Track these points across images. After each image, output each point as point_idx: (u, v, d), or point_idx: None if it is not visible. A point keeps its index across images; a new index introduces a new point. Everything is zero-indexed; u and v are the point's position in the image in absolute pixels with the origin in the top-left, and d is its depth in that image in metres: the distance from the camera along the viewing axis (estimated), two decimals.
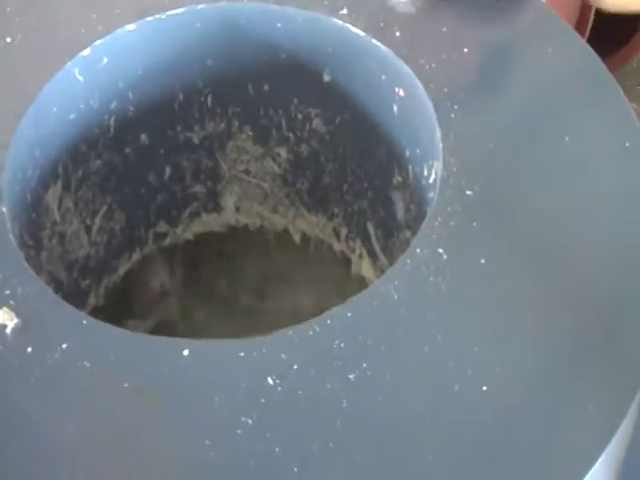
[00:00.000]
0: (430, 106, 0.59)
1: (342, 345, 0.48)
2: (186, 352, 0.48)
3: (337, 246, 0.76)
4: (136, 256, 0.75)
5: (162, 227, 0.76)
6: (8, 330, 0.50)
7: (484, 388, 0.47)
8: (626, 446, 0.54)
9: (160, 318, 0.76)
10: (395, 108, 0.64)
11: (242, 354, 0.48)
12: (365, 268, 0.74)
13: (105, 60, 0.65)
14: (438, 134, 0.58)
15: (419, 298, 0.50)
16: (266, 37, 0.68)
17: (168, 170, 0.73)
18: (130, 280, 0.75)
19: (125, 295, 0.74)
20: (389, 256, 0.70)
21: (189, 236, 0.77)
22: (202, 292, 0.77)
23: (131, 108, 0.68)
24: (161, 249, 0.77)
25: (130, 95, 0.68)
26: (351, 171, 0.72)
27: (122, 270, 0.75)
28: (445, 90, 0.60)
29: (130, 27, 0.65)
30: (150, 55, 0.67)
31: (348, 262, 0.75)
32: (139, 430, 0.46)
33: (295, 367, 0.47)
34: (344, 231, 0.75)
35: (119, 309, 0.72)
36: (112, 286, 0.74)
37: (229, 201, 0.76)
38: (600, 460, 0.46)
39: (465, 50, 0.64)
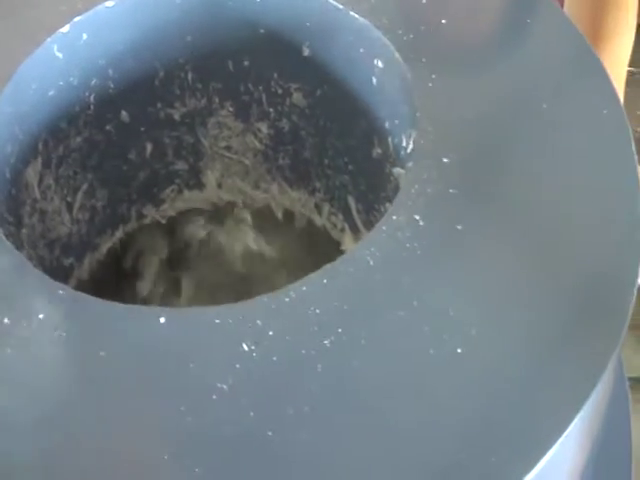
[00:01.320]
0: (408, 76, 0.59)
1: (317, 311, 0.48)
2: (162, 320, 0.48)
3: (319, 221, 0.76)
4: (118, 234, 0.75)
5: (144, 204, 0.76)
6: None
7: (459, 351, 0.47)
8: (603, 412, 0.54)
9: (144, 295, 0.76)
10: (374, 80, 0.64)
11: (218, 321, 0.48)
12: (347, 242, 0.74)
13: (85, 37, 0.65)
14: (415, 103, 0.58)
15: (395, 264, 0.50)
16: (245, 12, 0.68)
17: (149, 147, 0.73)
18: (113, 258, 0.75)
19: (107, 273, 0.74)
20: (371, 229, 0.70)
21: (172, 213, 0.77)
22: (185, 269, 0.77)
23: (111, 85, 0.68)
24: (143, 227, 0.77)
25: (110, 72, 0.68)
26: (331, 145, 0.71)
27: (104, 248, 0.75)
28: (423, 60, 0.60)
29: (109, 3, 0.65)
30: (130, 31, 0.67)
31: (330, 237, 0.75)
32: (115, 397, 0.46)
33: (270, 333, 0.47)
34: (326, 206, 0.75)
35: (102, 287, 0.72)
36: (95, 264, 0.74)
37: (211, 178, 0.76)
38: (574, 424, 0.46)
39: (443, 21, 0.64)
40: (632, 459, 0.68)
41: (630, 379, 1.28)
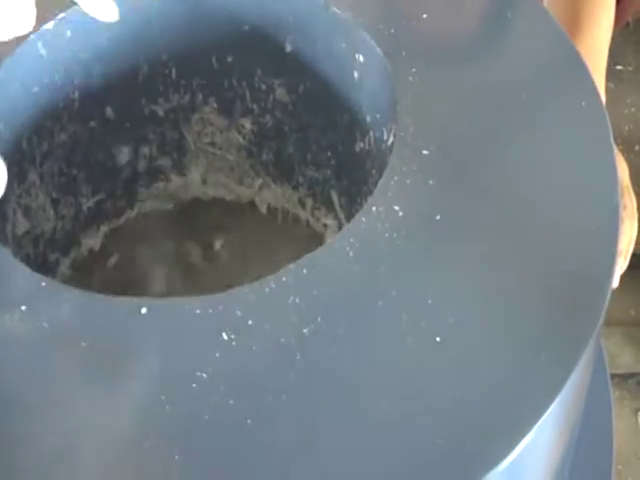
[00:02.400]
0: (389, 70, 0.60)
1: (297, 300, 0.49)
2: (144, 310, 0.48)
3: (303, 216, 0.76)
4: (103, 229, 0.76)
5: (129, 200, 0.76)
6: None
7: (437, 339, 0.47)
8: (581, 399, 0.54)
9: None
10: (356, 74, 0.65)
11: (198, 311, 0.48)
12: (330, 236, 0.74)
13: (68, 33, 0.65)
14: (396, 97, 0.58)
15: (374, 254, 0.51)
16: (228, 9, 0.69)
17: (134, 143, 0.73)
18: (98, 253, 0.75)
19: (92, 268, 0.74)
20: None
21: (156, 209, 0.77)
22: (169, 264, 0.77)
23: (95, 82, 0.69)
24: (128, 222, 0.77)
25: (94, 69, 0.68)
26: (314, 140, 0.72)
27: (90, 243, 0.75)
28: (404, 54, 0.61)
29: None
30: (113, 29, 0.68)
31: (314, 231, 0.76)
32: (95, 388, 0.46)
33: (250, 322, 0.48)
34: (309, 201, 0.76)
35: (87, 282, 0.72)
36: (80, 259, 0.74)
37: (195, 174, 0.77)
38: (551, 410, 0.46)
39: (424, 16, 0.64)
40: (613, 453, 0.68)
41: (616, 375, 1.29)
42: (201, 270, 0.78)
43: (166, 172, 0.76)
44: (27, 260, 0.66)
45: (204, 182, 0.78)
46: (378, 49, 0.61)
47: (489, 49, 0.63)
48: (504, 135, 0.57)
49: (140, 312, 0.49)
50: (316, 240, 0.75)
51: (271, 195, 0.77)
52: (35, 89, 0.65)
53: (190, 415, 0.45)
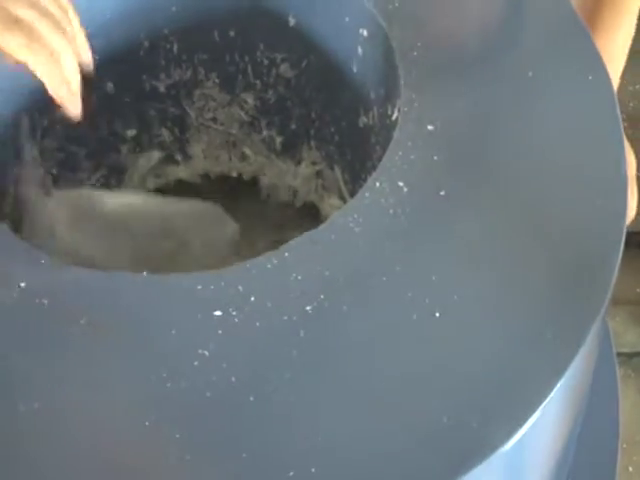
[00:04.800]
0: (393, 45, 0.59)
1: (299, 277, 0.48)
2: (144, 286, 0.48)
3: (306, 192, 0.76)
4: None
5: (130, 176, 0.75)
6: None
7: (442, 316, 0.47)
8: (588, 377, 0.54)
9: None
10: (359, 49, 0.64)
11: (199, 287, 0.48)
12: (333, 212, 0.73)
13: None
14: (400, 72, 0.57)
15: (378, 230, 0.50)
16: None
17: (135, 119, 0.72)
18: None
19: None
20: None
21: (158, 185, 0.76)
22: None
23: (97, 56, 0.67)
24: None
25: (96, 43, 0.67)
26: (317, 116, 0.71)
27: None
28: (408, 29, 0.60)
29: None
30: (115, 2, 0.67)
31: (317, 208, 0.75)
32: (96, 364, 0.46)
33: (252, 299, 0.47)
34: (312, 177, 0.75)
35: None
36: None
37: (197, 150, 0.76)
38: (557, 388, 0.46)
39: None
40: (619, 431, 0.68)
41: (622, 354, 1.28)
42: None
43: (168, 148, 0.75)
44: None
45: (205, 158, 0.77)
46: (382, 24, 0.60)
47: (495, 24, 0.62)
48: (509, 111, 0.56)
49: (140, 288, 0.48)
50: (318, 216, 0.74)
51: (274, 171, 0.76)
52: None
53: (192, 392, 0.45)
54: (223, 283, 0.48)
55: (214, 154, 0.77)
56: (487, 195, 0.52)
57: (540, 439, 0.48)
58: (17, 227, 0.61)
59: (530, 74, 0.58)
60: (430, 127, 0.54)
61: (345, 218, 0.50)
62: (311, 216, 0.74)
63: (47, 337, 0.47)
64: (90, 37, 0.64)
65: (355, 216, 0.50)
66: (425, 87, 0.57)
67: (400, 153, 0.53)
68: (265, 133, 0.75)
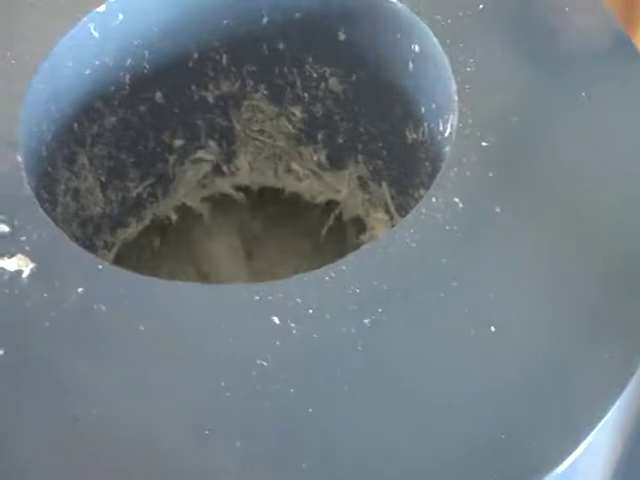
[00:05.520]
0: (446, 61, 0.59)
1: (357, 290, 0.48)
2: (203, 295, 0.48)
3: (352, 207, 0.76)
4: (149, 216, 0.75)
5: (176, 187, 0.76)
6: (24, 275, 0.50)
7: (498, 331, 0.47)
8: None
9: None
10: (411, 65, 0.64)
11: (257, 297, 0.48)
12: (380, 229, 0.74)
13: (120, 17, 0.65)
14: (454, 87, 0.58)
15: (434, 245, 0.50)
16: None
17: (182, 129, 0.73)
18: (145, 238, 0.75)
19: (138, 254, 0.74)
20: (404, 215, 0.70)
21: (204, 196, 0.77)
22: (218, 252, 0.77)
23: (146, 66, 0.68)
24: (176, 210, 0.77)
25: (145, 53, 0.68)
26: (365, 130, 0.71)
27: (137, 229, 0.74)
28: (461, 45, 0.60)
29: None
30: (166, 13, 0.67)
31: (362, 223, 0.75)
32: (154, 371, 0.46)
33: (310, 311, 0.47)
34: (359, 192, 0.75)
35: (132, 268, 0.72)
36: (127, 244, 0.74)
37: (243, 162, 0.76)
38: (614, 408, 0.46)
39: (481, 6, 0.63)
40: None
41: None
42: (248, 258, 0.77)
43: (214, 160, 0.76)
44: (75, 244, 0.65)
45: (252, 170, 0.77)
46: (434, 39, 0.61)
47: (548, 42, 0.62)
48: (564, 129, 0.56)
49: (199, 297, 0.48)
50: (364, 231, 0.74)
51: (319, 185, 0.76)
52: (87, 71, 0.65)
53: (251, 402, 0.45)
54: (281, 295, 0.48)
55: (260, 167, 0.77)
56: (543, 213, 0.52)
57: (593, 461, 0.48)
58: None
59: (583, 94, 0.58)
60: (484, 143, 0.54)
61: (402, 233, 0.50)
62: (356, 230, 0.75)
63: (105, 343, 0.47)
64: (140, 47, 0.65)
65: (411, 231, 0.51)
66: (479, 103, 0.57)
67: (455, 169, 0.53)
68: (312, 147, 0.75)
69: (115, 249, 0.73)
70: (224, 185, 0.77)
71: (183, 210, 0.77)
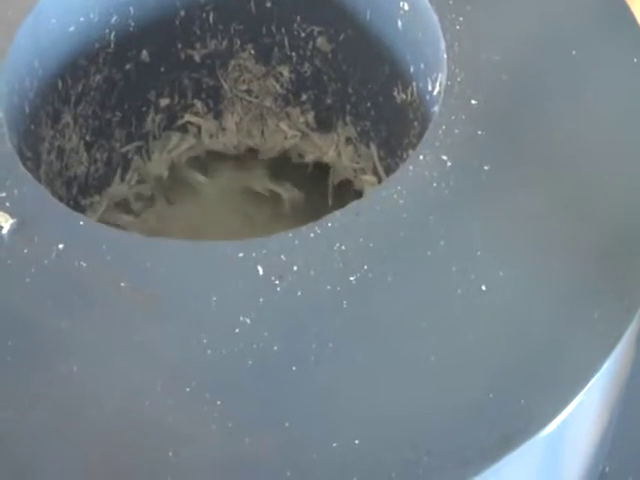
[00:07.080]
0: (435, 19, 0.59)
1: (343, 247, 0.48)
2: (186, 251, 0.47)
3: (340, 167, 0.75)
4: (135, 176, 0.74)
5: (164, 146, 0.75)
6: (4, 231, 0.49)
7: (485, 289, 0.46)
8: (630, 360, 0.53)
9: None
10: (399, 23, 0.63)
11: (241, 254, 0.47)
12: (369, 189, 0.73)
13: None
14: (442, 45, 0.57)
15: (422, 203, 0.50)
16: None
17: (169, 88, 0.72)
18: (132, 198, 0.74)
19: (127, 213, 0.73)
20: None
21: (191, 156, 0.76)
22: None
23: (132, 23, 0.67)
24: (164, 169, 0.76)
25: (131, 10, 0.67)
26: (354, 91, 0.70)
27: (120, 189, 0.74)
28: (450, 3, 0.59)
29: None
30: None
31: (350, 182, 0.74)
32: (135, 328, 0.45)
33: (295, 268, 0.47)
34: (347, 152, 0.74)
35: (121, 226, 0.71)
36: (112, 205, 0.73)
37: (230, 122, 0.75)
38: (604, 368, 0.45)
39: None
40: None
41: None
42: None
43: (201, 119, 0.75)
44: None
45: (239, 130, 0.76)
46: None
47: (539, 2, 0.61)
48: (553, 88, 0.56)
49: (182, 253, 0.48)
50: (352, 191, 0.74)
51: (308, 146, 0.75)
52: (71, 28, 0.64)
53: (233, 360, 0.44)
54: (265, 251, 0.47)
55: (247, 127, 0.76)
56: (532, 171, 0.51)
57: (583, 420, 0.48)
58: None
59: (574, 52, 0.57)
60: (473, 101, 0.54)
61: (389, 190, 0.50)
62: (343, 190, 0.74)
63: (85, 300, 0.46)
64: (125, 4, 0.64)
65: (399, 188, 0.50)
66: (468, 61, 0.56)
67: (444, 127, 0.52)
68: (300, 107, 0.74)
69: (101, 210, 0.72)
70: (211, 146, 0.76)
71: (171, 169, 0.75)
